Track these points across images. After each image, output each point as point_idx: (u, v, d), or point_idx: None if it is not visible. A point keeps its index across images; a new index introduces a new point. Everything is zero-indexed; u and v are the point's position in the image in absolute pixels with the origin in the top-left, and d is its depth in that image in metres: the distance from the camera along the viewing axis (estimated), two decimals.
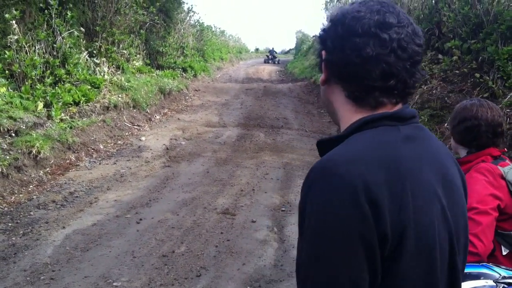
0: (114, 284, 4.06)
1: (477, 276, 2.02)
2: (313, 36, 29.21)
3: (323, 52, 1.20)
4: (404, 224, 0.98)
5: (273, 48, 41.63)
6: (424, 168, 1.07)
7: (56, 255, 4.60)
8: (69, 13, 10.23)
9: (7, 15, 8.48)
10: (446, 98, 9.50)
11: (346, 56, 1.11)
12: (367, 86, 1.11)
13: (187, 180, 7.17)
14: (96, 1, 12.56)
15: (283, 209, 6.05)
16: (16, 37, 8.69)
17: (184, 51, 20.68)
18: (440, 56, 10.79)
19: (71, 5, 10.42)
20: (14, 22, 8.62)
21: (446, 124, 9.16)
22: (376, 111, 1.12)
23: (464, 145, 2.49)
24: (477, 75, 9.03)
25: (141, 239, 5.02)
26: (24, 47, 8.89)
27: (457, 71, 9.87)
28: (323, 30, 1.21)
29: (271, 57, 38.06)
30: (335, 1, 23.99)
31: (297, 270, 1.05)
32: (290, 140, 10.22)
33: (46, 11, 9.63)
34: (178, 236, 5.10)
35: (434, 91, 9.99)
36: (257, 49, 58.28)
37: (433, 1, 11.41)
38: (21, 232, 5.17)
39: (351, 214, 0.95)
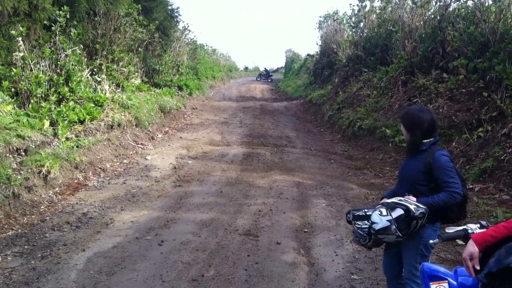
0: None
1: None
2: (307, 55, 29.41)
3: None
4: None
5: (265, 68, 44.11)
6: None
7: (81, 280, 4.40)
8: (74, 30, 10.10)
9: (13, 32, 8.31)
10: (453, 117, 9.49)
11: None
12: None
13: (202, 200, 7.01)
14: (96, 19, 12.46)
15: (306, 230, 5.92)
16: (21, 54, 8.52)
17: (179, 69, 20.62)
18: (444, 75, 10.82)
19: (75, 23, 10.27)
20: (20, 39, 8.45)
21: (454, 143, 9.15)
22: None
23: None
24: (485, 93, 9.02)
25: (166, 262, 4.84)
26: (29, 64, 8.72)
27: (463, 90, 9.86)
28: None
29: (264, 73, 40.48)
30: (329, 22, 24.30)
31: None
32: (297, 159, 10.14)
33: (52, 28, 9.47)
34: (205, 259, 4.94)
35: (440, 110, 9.98)
36: (246, 68, 58.62)
37: (437, 21, 11.48)
38: (39, 255, 4.95)
39: None
